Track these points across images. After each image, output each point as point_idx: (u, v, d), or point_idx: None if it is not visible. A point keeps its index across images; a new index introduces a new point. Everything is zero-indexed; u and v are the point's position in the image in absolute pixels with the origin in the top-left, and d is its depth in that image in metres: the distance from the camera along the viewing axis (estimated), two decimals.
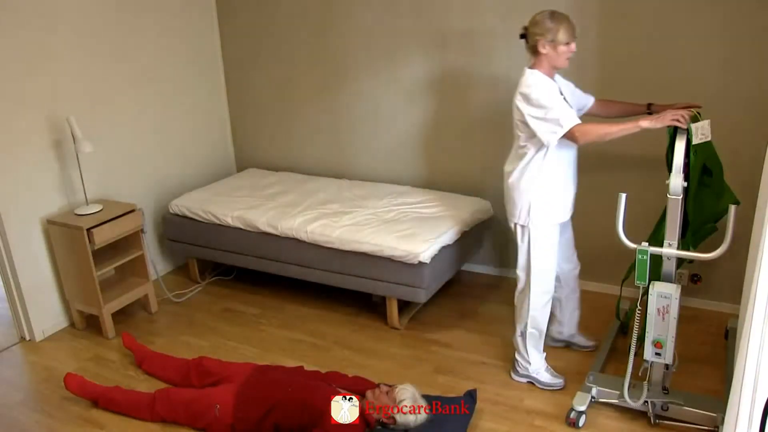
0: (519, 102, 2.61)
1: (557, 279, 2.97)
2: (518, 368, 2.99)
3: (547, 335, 3.03)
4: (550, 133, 2.53)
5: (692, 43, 3.08)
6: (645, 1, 3.12)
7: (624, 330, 3.28)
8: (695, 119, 2.41)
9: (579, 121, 2.52)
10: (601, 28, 3.26)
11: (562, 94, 2.64)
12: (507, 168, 2.79)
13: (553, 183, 2.68)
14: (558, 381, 2.93)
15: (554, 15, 2.53)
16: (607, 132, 2.50)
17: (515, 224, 2.79)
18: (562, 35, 2.51)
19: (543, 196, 2.68)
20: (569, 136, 2.52)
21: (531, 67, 2.64)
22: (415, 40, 3.75)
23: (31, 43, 3.26)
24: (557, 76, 2.70)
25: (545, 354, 2.98)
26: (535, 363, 2.94)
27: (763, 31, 2.94)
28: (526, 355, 2.93)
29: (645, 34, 3.16)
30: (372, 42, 3.89)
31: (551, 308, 2.95)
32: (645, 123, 2.42)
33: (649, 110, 2.75)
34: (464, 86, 3.71)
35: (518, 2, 3.39)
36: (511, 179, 2.73)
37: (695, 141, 2.37)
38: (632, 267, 2.57)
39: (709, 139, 2.40)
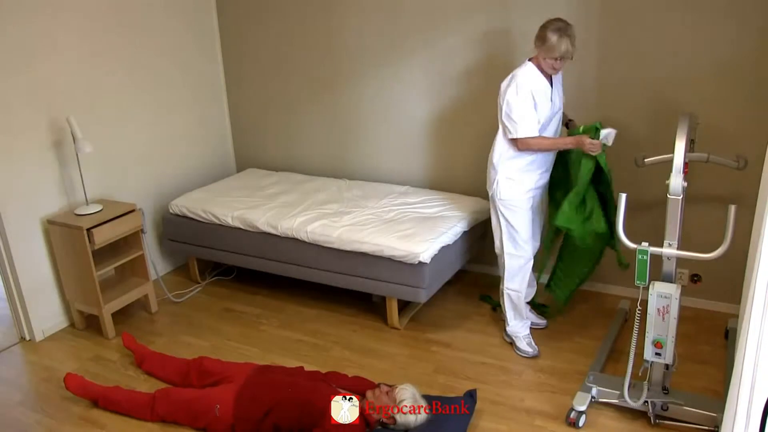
0: (502, 88, 2.90)
1: None
2: (505, 326, 3.25)
3: None
4: (507, 129, 2.89)
5: (692, 44, 3.08)
6: (644, 8, 3.13)
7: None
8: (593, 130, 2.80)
9: (530, 135, 2.84)
10: (602, 33, 3.26)
11: (552, 90, 2.89)
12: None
13: (520, 161, 2.95)
14: (529, 350, 3.15)
15: (559, 31, 2.71)
16: (542, 146, 2.90)
17: (490, 194, 3.08)
18: (548, 52, 2.75)
19: (510, 172, 2.96)
20: (514, 141, 2.89)
21: (531, 59, 2.89)
22: (416, 41, 3.75)
23: (31, 43, 3.26)
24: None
25: (528, 323, 3.23)
26: (513, 325, 3.20)
27: (761, 34, 2.94)
28: (505, 314, 3.20)
29: (644, 37, 3.16)
30: (372, 43, 3.89)
31: None
32: (570, 144, 2.84)
33: (567, 126, 3.11)
34: (464, 86, 3.71)
35: (519, 3, 3.39)
36: (490, 153, 3.05)
37: (610, 143, 2.77)
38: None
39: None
